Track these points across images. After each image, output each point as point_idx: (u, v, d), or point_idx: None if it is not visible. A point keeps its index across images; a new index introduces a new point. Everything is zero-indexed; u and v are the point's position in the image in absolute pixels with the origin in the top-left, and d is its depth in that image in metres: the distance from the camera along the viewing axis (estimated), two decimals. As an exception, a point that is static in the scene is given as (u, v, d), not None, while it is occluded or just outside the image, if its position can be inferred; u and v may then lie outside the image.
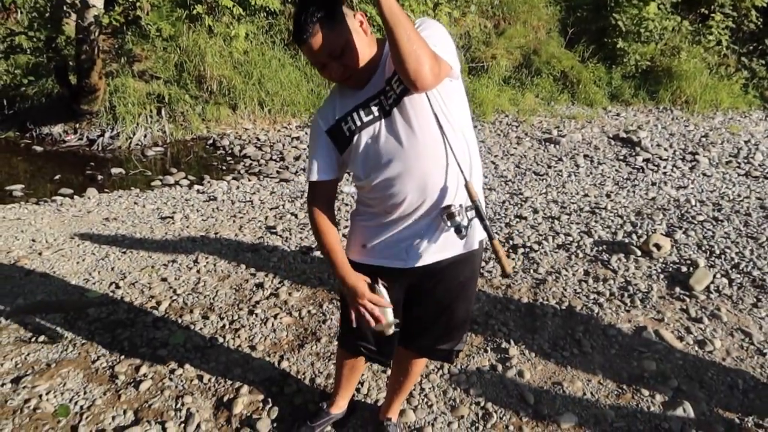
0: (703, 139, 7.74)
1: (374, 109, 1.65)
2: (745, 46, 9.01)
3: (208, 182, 5.73)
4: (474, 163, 1.74)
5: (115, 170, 6.06)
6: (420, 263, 1.74)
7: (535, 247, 3.76)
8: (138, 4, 7.40)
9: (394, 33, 1.46)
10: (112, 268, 3.46)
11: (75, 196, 5.21)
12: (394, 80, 1.63)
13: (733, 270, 3.45)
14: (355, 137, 1.66)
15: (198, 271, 3.43)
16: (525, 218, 4.27)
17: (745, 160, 6.92)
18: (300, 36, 1.55)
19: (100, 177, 5.89)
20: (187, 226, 4.21)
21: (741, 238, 3.86)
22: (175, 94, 7.27)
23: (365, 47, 1.63)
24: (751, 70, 8.95)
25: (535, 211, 4.42)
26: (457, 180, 1.66)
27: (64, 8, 5.87)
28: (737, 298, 3.17)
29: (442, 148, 1.64)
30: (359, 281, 1.71)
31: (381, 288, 1.73)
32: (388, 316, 1.72)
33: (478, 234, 1.77)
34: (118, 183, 5.82)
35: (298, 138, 7.37)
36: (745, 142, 7.76)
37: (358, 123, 1.65)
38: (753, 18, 8.85)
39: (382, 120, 1.63)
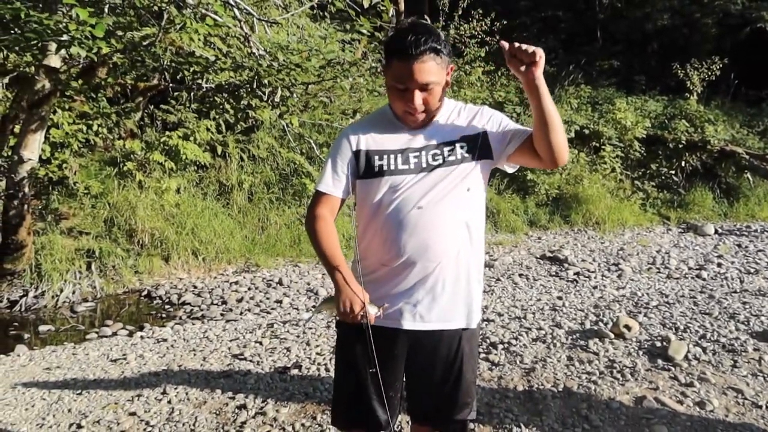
0: (620, 252, 8.34)
1: (413, 160, 1.66)
2: (635, 172, 10.10)
3: (150, 329, 5.39)
4: (477, 243, 1.74)
5: (43, 328, 5.58)
6: (414, 327, 1.68)
7: (513, 342, 3.77)
8: (65, 165, 7.37)
9: (555, 120, 1.58)
10: (69, 410, 3.09)
11: (1, 356, 4.71)
12: (448, 147, 1.67)
13: (702, 340, 3.62)
14: (384, 177, 1.65)
15: (169, 402, 3.13)
16: (492, 321, 4.31)
17: (663, 266, 7.47)
18: (411, 50, 1.52)
19: (26, 336, 5.40)
20: (145, 364, 3.88)
21: (697, 315, 4.09)
22: (106, 248, 7.02)
23: (443, 94, 1.67)
24: (645, 191, 9.97)
25: (500, 315, 4.49)
26: (457, 254, 1.68)
27: (-2, 162, 5.74)
28: (716, 362, 3.29)
29: (454, 221, 1.66)
30: (355, 283, 1.60)
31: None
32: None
33: (476, 315, 1.76)
34: (49, 340, 5.34)
35: (236, 282, 7.20)
36: (657, 251, 8.43)
37: (392, 167, 1.65)
38: (636, 148, 10.03)
39: (415, 175, 1.64)
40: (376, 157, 1.66)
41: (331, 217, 1.68)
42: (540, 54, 1.52)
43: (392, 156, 1.66)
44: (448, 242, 1.66)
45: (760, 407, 2.82)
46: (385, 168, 1.65)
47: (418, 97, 1.58)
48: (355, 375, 1.72)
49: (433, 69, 1.56)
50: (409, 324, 1.68)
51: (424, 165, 1.65)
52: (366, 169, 1.67)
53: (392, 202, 1.64)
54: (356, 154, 1.68)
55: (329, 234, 1.65)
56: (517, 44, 1.55)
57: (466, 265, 1.70)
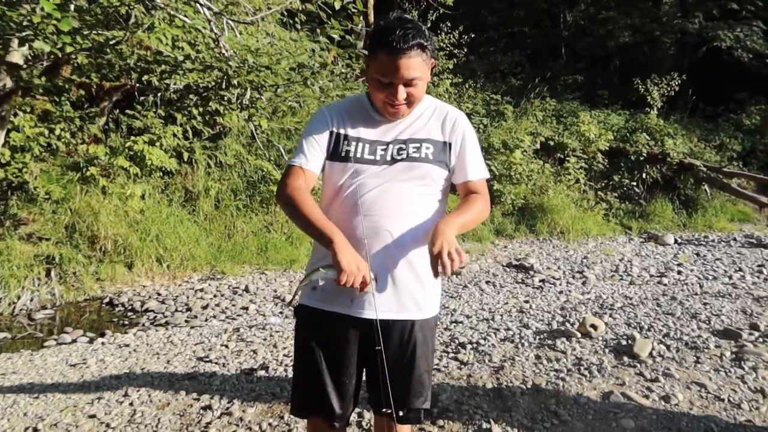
0: (585, 260, 8.48)
1: (379, 152, 1.69)
2: (598, 183, 10.32)
3: (112, 335, 5.25)
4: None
5: (-2, 335, 5.38)
6: (365, 315, 1.67)
7: (482, 342, 3.79)
8: (25, 169, 7.16)
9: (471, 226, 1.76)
10: (25, 414, 2.97)
11: (-47, 363, 4.51)
12: (414, 144, 1.70)
13: (666, 338, 3.69)
14: (349, 164, 1.68)
15: (131, 404, 3.04)
16: (461, 322, 4.32)
17: (626, 273, 7.63)
18: (398, 45, 1.52)
19: (-20, 344, 5.19)
20: (106, 368, 3.77)
21: (660, 315, 4.18)
22: (67, 254, 6.82)
23: (425, 90, 1.70)
24: (607, 202, 10.18)
25: (468, 317, 4.50)
26: (407, 243, 1.68)
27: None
28: (680, 359, 3.37)
29: (407, 211, 1.67)
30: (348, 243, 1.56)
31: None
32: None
33: (431, 305, 1.78)
34: (4, 348, 5.14)
35: (202, 290, 7.07)
36: (620, 260, 8.60)
37: (359, 155, 1.68)
38: (599, 159, 10.26)
39: (378, 166, 1.68)
40: (346, 143, 1.68)
41: (307, 188, 1.66)
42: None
43: (360, 144, 1.69)
44: (398, 229, 1.66)
45: (723, 400, 2.89)
46: (351, 154, 1.68)
47: (402, 92, 1.60)
48: (311, 362, 1.72)
49: (418, 65, 1.58)
50: (357, 311, 1.67)
51: (388, 158, 1.68)
52: (334, 151, 1.69)
53: (351, 186, 1.67)
54: (331, 134, 1.70)
55: (311, 200, 1.62)
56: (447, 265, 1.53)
57: (417, 255, 1.69)
